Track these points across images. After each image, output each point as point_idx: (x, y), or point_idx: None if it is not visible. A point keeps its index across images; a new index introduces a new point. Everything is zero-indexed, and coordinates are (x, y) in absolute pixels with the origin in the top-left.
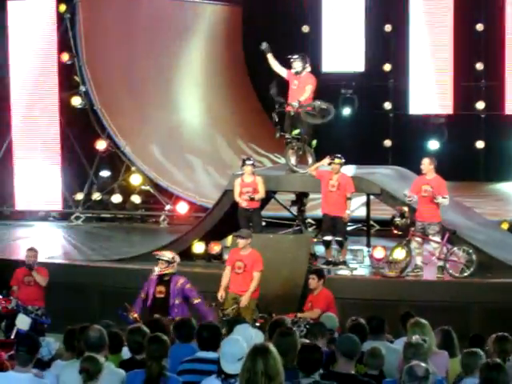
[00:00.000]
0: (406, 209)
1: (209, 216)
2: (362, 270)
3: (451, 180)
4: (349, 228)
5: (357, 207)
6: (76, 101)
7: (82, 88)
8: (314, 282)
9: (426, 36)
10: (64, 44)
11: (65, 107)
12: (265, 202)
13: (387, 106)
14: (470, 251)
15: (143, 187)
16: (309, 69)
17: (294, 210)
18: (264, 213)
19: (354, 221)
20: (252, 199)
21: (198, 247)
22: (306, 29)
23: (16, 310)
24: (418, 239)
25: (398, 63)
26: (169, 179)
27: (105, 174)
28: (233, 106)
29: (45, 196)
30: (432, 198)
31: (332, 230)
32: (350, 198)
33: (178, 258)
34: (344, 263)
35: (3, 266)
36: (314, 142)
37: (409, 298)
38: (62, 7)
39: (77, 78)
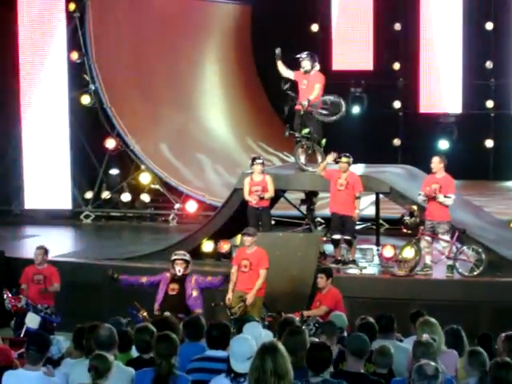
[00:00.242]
0: (415, 208)
1: (218, 215)
2: (371, 269)
3: (460, 179)
4: (358, 227)
5: (366, 206)
6: (85, 99)
7: (92, 87)
8: (322, 281)
9: (435, 35)
10: (74, 43)
11: (74, 106)
12: (274, 200)
13: (396, 104)
14: (480, 250)
15: (152, 186)
16: (318, 67)
17: (304, 208)
18: (273, 211)
19: (364, 220)
20: (261, 198)
21: (208, 246)
22: (315, 27)
23: (26, 309)
24: (428, 238)
25: (407, 62)
26: (178, 178)
27: (114, 172)
28: (242, 104)
29: (54, 194)
30: (433, 196)
31: (341, 229)
32: (358, 197)
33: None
34: (353, 262)
35: (12, 264)
36: (324, 141)
37: (418, 297)
38: (72, 6)
39: (86, 77)
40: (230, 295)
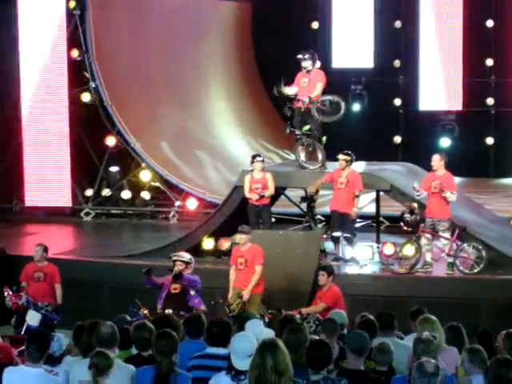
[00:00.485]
0: (415, 205)
1: (218, 212)
2: (371, 267)
3: (461, 176)
4: (358, 224)
5: (366, 204)
6: (86, 97)
7: (92, 84)
8: (323, 278)
9: (435, 32)
10: (74, 40)
11: (75, 103)
12: (274, 198)
13: (397, 102)
14: (480, 247)
15: (153, 183)
16: (318, 65)
17: (304, 206)
18: (274, 209)
19: (364, 217)
20: (262, 196)
21: (208, 243)
22: (315, 25)
23: (26, 306)
24: (428, 235)
25: (407, 59)
26: (178, 175)
27: (114, 169)
28: (243, 102)
29: (55, 192)
30: (440, 191)
31: (340, 227)
32: (357, 196)
33: (193, 260)
34: (353, 260)
35: (13, 262)
36: (324, 139)
37: (418, 294)
38: (72, 3)
39: (87, 74)
40: (231, 294)
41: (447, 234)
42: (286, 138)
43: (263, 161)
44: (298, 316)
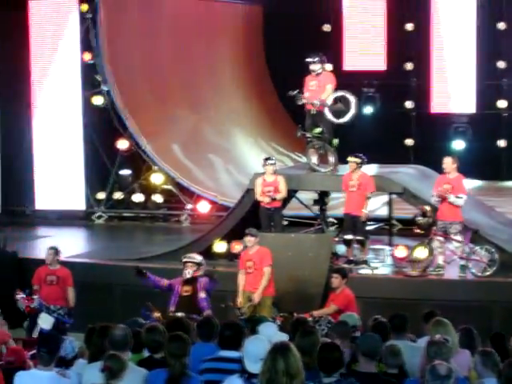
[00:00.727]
0: (427, 208)
1: (230, 215)
2: (383, 269)
3: (473, 179)
4: (371, 227)
5: (379, 206)
6: (98, 100)
7: (104, 87)
8: (337, 280)
9: (447, 34)
10: (86, 43)
11: (87, 106)
12: (286, 201)
13: (409, 104)
14: (493, 250)
15: (165, 186)
16: (329, 68)
17: (316, 209)
18: (285, 212)
19: (376, 220)
20: (273, 199)
21: (220, 246)
22: (327, 28)
23: (39, 309)
24: (440, 238)
25: (419, 62)
26: (190, 178)
27: (125, 172)
28: (254, 104)
29: (67, 195)
30: (444, 196)
31: (352, 229)
32: (369, 198)
33: (204, 262)
34: (366, 262)
35: (25, 265)
36: (336, 141)
37: (431, 297)
38: (84, 7)
39: (99, 78)
40: (240, 299)
41: (459, 237)
42: (297, 140)
43: (275, 164)
44: (310, 319)
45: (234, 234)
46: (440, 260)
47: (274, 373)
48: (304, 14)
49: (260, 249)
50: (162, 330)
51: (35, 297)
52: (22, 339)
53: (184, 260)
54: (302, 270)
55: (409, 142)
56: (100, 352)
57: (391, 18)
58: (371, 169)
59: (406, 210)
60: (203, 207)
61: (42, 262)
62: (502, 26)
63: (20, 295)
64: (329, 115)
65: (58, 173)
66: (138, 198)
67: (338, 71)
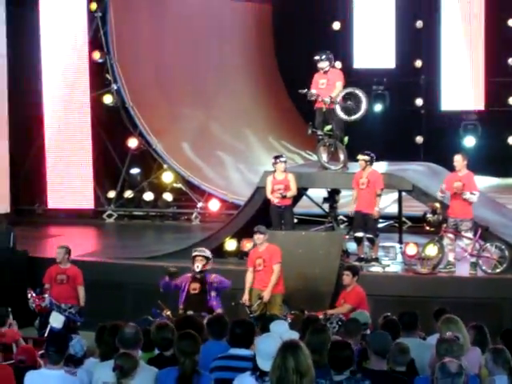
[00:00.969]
0: (438, 205)
1: (241, 213)
2: (394, 267)
3: (483, 176)
4: (381, 225)
5: (389, 204)
6: (108, 99)
7: (114, 86)
8: (348, 278)
9: (457, 32)
10: (95, 42)
11: (96, 105)
12: (297, 199)
13: (419, 102)
14: (503, 247)
15: (175, 185)
16: (338, 65)
17: (326, 207)
18: (296, 210)
19: (386, 217)
20: (284, 197)
21: (230, 244)
22: (336, 25)
23: (49, 308)
24: (451, 235)
25: (429, 59)
26: (200, 176)
27: (135, 171)
28: (264, 103)
29: (77, 194)
30: (460, 193)
31: (363, 227)
32: (379, 195)
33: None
34: (376, 260)
35: (36, 264)
36: (346, 139)
37: (441, 294)
38: (94, 5)
39: (108, 76)
40: (246, 296)
41: (470, 234)
42: (307, 138)
43: (285, 161)
44: (321, 317)
45: (245, 232)
46: (450, 257)
47: (284, 371)
48: (313, 13)
49: (269, 246)
50: (172, 328)
51: (46, 296)
52: (32, 338)
53: (194, 254)
54: (313, 267)
55: (418, 139)
56: (111, 351)
57: (400, 16)
58: (381, 166)
59: (415, 208)
60: (213, 205)
61: (52, 261)
62: (511, 22)
63: (31, 294)
64: (339, 112)
65: (69, 172)
66: (148, 196)
67: (347, 69)
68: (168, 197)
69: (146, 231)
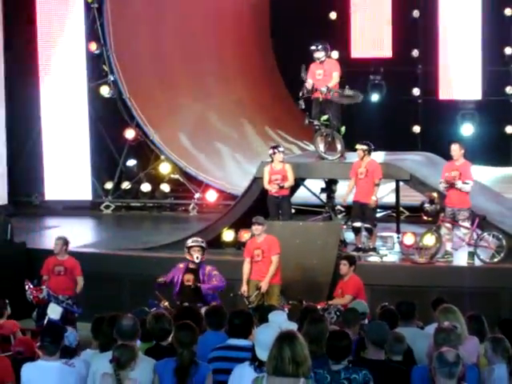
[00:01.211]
0: (435, 195)
1: (238, 204)
2: (391, 257)
3: (480, 165)
4: (378, 214)
5: (386, 193)
6: (104, 90)
7: (111, 77)
8: (345, 267)
9: (454, 21)
10: (92, 34)
11: (93, 97)
12: (294, 189)
13: (416, 91)
14: (500, 236)
15: (172, 176)
16: (335, 55)
17: (324, 197)
18: (293, 200)
19: (384, 207)
20: (281, 187)
21: (228, 235)
22: (333, 15)
23: (47, 300)
24: (448, 225)
25: (426, 49)
26: (197, 167)
27: (131, 163)
28: (261, 92)
29: (74, 185)
30: (453, 182)
31: (361, 217)
32: (377, 185)
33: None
34: (374, 250)
35: (33, 255)
36: (343, 129)
37: (439, 284)
38: None
39: (105, 68)
40: (244, 287)
41: (467, 224)
42: (304, 128)
43: (283, 152)
44: (319, 307)
45: (242, 223)
46: (448, 247)
47: (280, 360)
48: (310, 2)
49: (268, 237)
50: (168, 318)
51: (43, 287)
52: (30, 329)
53: (190, 244)
54: (311, 258)
55: (416, 128)
56: (110, 342)
57: (397, 5)
58: (378, 156)
59: (413, 197)
60: (211, 196)
61: (50, 253)
62: (508, 11)
63: (28, 286)
64: (337, 99)
65: (66, 163)
66: (145, 187)
67: (344, 59)
68: (165, 188)
69: (143, 222)
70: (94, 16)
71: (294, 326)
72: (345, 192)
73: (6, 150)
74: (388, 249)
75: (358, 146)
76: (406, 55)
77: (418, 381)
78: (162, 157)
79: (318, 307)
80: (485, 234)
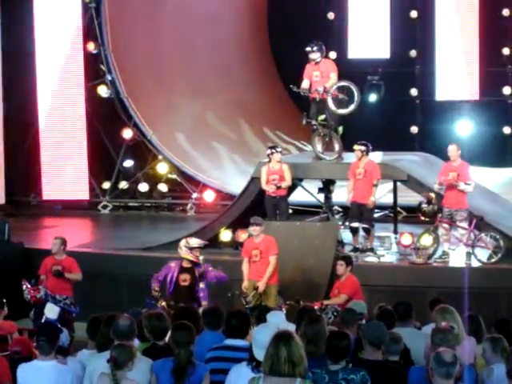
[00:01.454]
0: (432, 195)
1: (236, 204)
2: (389, 257)
3: (478, 166)
4: (376, 215)
5: (384, 194)
6: (102, 90)
7: (108, 77)
8: (341, 268)
9: (451, 21)
10: (90, 33)
11: (91, 96)
12: (291, 189)
13: (413, 92)
14: (498, 237)
15: (170, 175)
16: (331, 56)
17: (321, 197)
18: (291, 200)
19: (381, 207)
20: (279, 187)
21: (225, 235)
22: (331, 15)
23: (45, 299)
24: (446, 225)
25: (424, 49)
26: (195, 167)
27: (128, 163)
28: (258, 92)
29: (72, 185)
30: (455, 184)
31: (359, 217)
32: (375, 185)
33: None
34: (371, 250)
35: (31, 255)
36: (341, 129)
37: (436, 284)
38: None
39: (103, 67)
40: (246, 283)
41: (465, 224)
42: (302, 128)
43: (281, 152)
44: (316, 307)
45: (240, 223)
46: (445, 247)
47: (276, 360)
48: (308, 2)
49: (266, 237)
50: (164, 317)
51: (41, 287)
52: (27, 329)
53: (195, 246)
54: (308, 258)
55: (413, 129)
56: (108, 342)
57: (395, 6)
58: (376, 156)
59: (410, 198)
60: (208, 196)
61: (47, 253)
62: (506, 12)
63: (26, 285)
64: (331, 105)
65: (63, 163)
66: (143, 187)
67: (342, 59)
68: (163, 187)
69: (141, 222)
70: (92, 16)
71: (292, 327)
72: (345, 193)
73: (3, 150)
74: (385, 249)
75: (355, 147)
76: (403, 56)
77: (415, 381)
78: (160, 157)
79: (315, 307)
80: (482, 234)
